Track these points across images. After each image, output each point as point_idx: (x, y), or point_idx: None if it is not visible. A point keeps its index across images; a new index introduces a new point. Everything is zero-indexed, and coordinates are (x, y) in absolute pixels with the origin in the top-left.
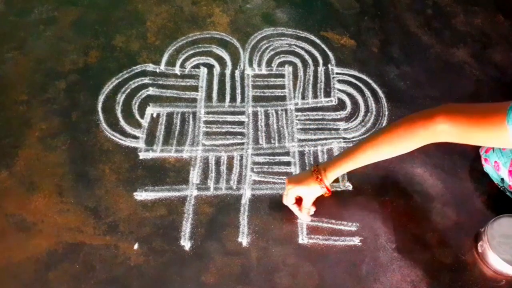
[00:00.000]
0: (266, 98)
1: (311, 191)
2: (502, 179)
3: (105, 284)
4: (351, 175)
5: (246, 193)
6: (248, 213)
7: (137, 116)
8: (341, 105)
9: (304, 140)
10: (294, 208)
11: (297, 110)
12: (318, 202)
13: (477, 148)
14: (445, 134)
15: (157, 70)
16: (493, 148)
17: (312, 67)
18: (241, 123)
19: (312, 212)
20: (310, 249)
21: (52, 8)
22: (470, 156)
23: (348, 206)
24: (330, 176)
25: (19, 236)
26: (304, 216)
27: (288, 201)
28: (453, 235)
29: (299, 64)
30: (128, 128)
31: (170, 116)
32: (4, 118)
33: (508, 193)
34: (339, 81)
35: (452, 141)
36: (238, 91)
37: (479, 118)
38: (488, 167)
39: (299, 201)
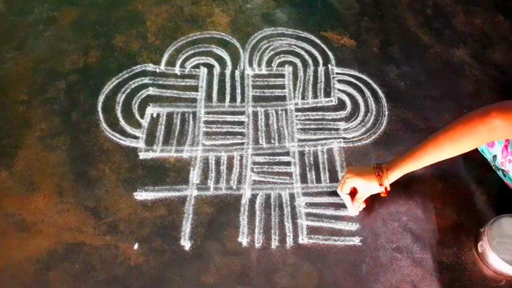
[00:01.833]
0: (266, 98)
1: (369, 187)
2: (495, 156)
3: (105, 284)
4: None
5: (246, 193)
6: (248, 213)
7: (137, 116)
8: (341, 105)
9: (304, 140)
10: (346, 198)
11: (297, 110)
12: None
13: (477, 148)
14: (500, 130)
15: (157, 70)
16: None
17: (312, 67)
18: (241, 123)
19: (361, 208)
20: (310, 249)
21: (52, 8)
22: (470, 156)
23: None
24: (392, 176)
25: (19, 236)
26: (354, 209)
27: (344, 190)
28: (453, 235)
29: (299, 64)
30: (128, 128)
31: (170, 116)
32: (4, 118)
33: (499, 172)
34: (339, 81)
35: (507, 137)
36: (238, 91)
37: None
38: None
39: (352, 193)
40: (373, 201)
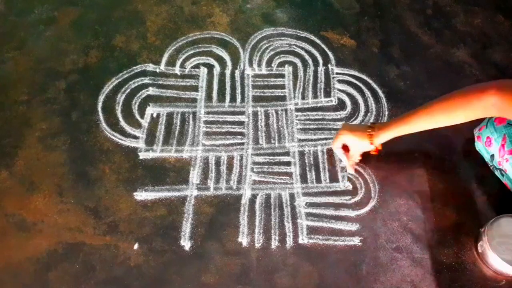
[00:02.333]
0: (266, 98)
1: (360, 143)
2: (492, 156)
3: (105, 284)
4: (351, 176)
5: (246, 193)
6: (248, 213)
7: (137, 116)
8: (341, 105)
9: (304, 140)
10: (340, 153)
11: (297, 110)
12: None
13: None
14: (495, 108)
15: (157, 70)
16: (486, 125)
17: (312, 67)
18: (241, 123)
19: (356, 160)
20: (310, 249)
21: (52, 8)
22: (470, 156)
23: (348, 206)
24: (383, 136)
25: (19, 236)
26: (348, 164)
27: (336, 144)
28: (453, 235)
29: (299, 64)
30: (128, 128)
31: (170, 116)
32: (4, 118)
33: (497, 172)
34: (339, 81)
35: (501, 115)
36: (238, 91)
37: None
38: (479, 144)
39: (347, 148)
40: (373, 201)
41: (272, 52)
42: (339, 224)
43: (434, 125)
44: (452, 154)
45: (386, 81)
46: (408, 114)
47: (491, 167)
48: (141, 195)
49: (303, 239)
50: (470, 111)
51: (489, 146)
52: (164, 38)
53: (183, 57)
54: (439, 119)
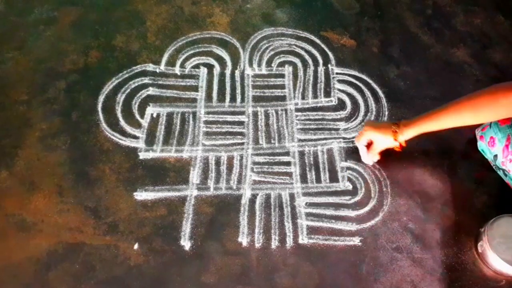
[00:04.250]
0: (266, 98)
1: (384, 140)
2: (495, 156)
3: (105, 284)
4: (351, 176)
5: (246, 193)
6: (248, 213)
7: (137, 116)
8: (341, 105)
9: (304, 140)
10: (362, 149)
11: (297, 110)
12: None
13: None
14: None
15: (157, 70)
16: (490, 125)
17: (312, 67)
18: (241, 123)
19: (375, 160)
20: (310, 249)
21: (52, 8)
22: (470, 156)
23: (348, 206)
24: (407, 133)
25: (19, 236)
26: (368, 159)
27: (361, 141)
28: (453, 235)
29: (299, 64)
30: (128, 128)
31: (170, 116)
32: (4, 118)
33: (499, 172)
34: (339, 81)
35: None
36: (238, 91)
37: None
38: (482, 144)
39: (369, 145)
40: (373, 201)
41: (272, 52)
42: (339, 224)
43: (461, 123)
44: (452, 154)
45: (386, 81)
46: (435, 111)
47: (493, 167)
48: (141, 195)
49: (303, 239)
50: (498, 110)
51: (492, 146)
52: (164, 38)
53: (183, 57)
54: (466, 118)
